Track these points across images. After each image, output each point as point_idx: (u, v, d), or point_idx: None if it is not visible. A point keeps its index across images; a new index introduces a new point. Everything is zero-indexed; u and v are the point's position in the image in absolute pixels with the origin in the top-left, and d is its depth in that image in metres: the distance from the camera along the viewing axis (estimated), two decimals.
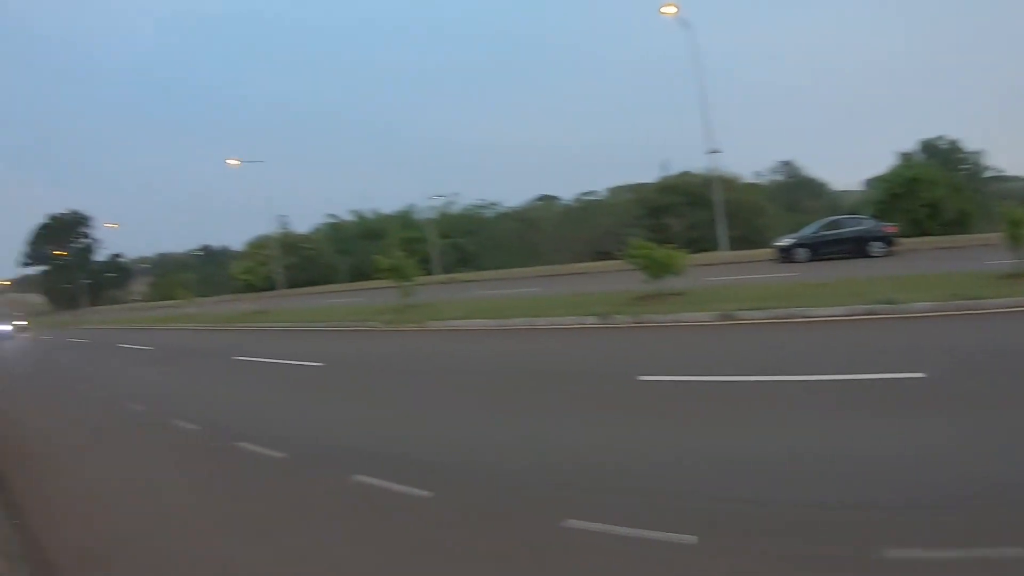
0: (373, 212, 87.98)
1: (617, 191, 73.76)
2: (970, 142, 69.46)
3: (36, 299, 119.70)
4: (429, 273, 52.88)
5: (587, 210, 73.08)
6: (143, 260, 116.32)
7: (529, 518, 5.25)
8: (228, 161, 53.42)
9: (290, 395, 12.27)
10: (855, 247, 27.38)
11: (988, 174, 66.74)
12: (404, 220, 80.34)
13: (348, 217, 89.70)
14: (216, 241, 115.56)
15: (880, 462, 5.59)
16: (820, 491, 5.12)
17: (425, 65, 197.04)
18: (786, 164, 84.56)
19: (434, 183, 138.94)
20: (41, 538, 6.20)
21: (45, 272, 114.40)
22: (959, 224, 39.24)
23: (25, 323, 53.80)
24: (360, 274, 65.33)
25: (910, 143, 65.63)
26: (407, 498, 5.96)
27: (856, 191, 69.06)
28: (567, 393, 9.71)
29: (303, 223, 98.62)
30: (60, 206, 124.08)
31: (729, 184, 50.77)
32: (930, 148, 63.34)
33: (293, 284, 61.85)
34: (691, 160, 57.95)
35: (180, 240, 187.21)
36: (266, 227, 79.99)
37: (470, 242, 75.20)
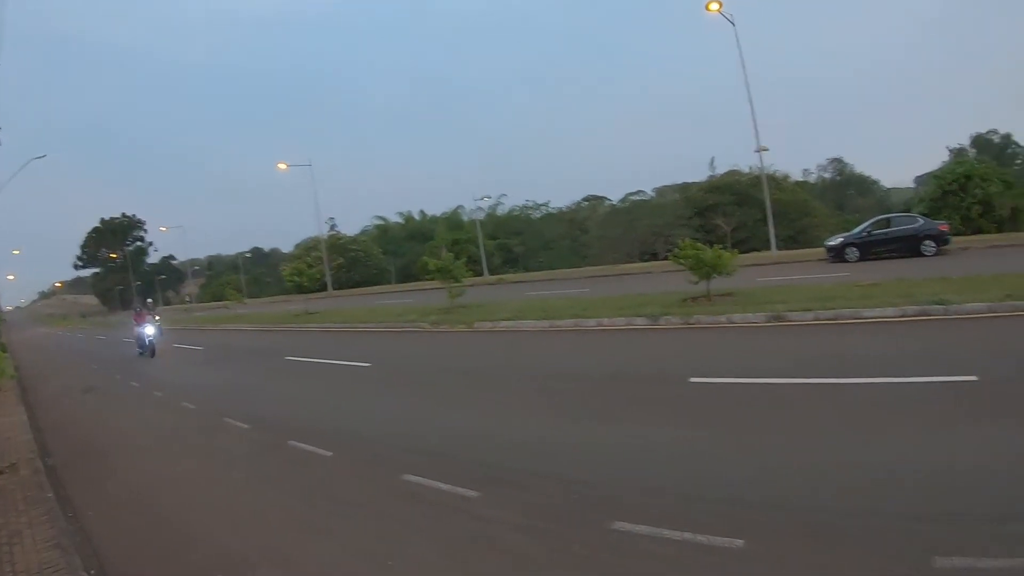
0: (420, 214, 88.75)
1: (664, 191, 73.49)
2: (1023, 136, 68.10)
3: (89, 300, 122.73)
4: (477, 274, 53.13)
5: (634, 210, 72.73)
6: (194, 262, 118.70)
7: (578, 520, 5.33)
8: (278, 165, 54.52)
9: (339, 395, 12.55)
10: (906, 246, 26.92)
11: None
12: (451, 221, 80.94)
13: (395, 219, 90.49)
14: (266, 243, 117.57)
15: (931, 469, 5.55)
16: (869, 497, 5.10)
17: (470, 64, 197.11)
18: (835, 161, 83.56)
19: (482, 185, 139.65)
20: (95, 530, 6.53)
21: (96, 274, 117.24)
22: (1013, 221, 38.29)
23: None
24: (408, 275, 66.09)
25: (962, 138, 64.58)
26: (455, 497, 6.11)
27: (907, 188, 68.17)
28: (618, 395, 9.76)
29: (352, 225, 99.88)
30: (114, 210, 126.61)
31: (777, 183, 50.33)
32: (982, 143, 62.20)
33: (342, 285, 62.70)
34: (739, 159, 57.40)
35: (232, 242, 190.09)
36: (315, 229, 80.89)
37: (517, 243, 75.49)
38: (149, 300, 28.64)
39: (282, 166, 55.53)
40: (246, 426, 10.27)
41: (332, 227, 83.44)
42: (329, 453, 8.16)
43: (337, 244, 75.82)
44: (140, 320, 25.22)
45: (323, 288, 58.75)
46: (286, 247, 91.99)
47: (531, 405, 9.85)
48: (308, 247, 74.97)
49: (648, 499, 5.59)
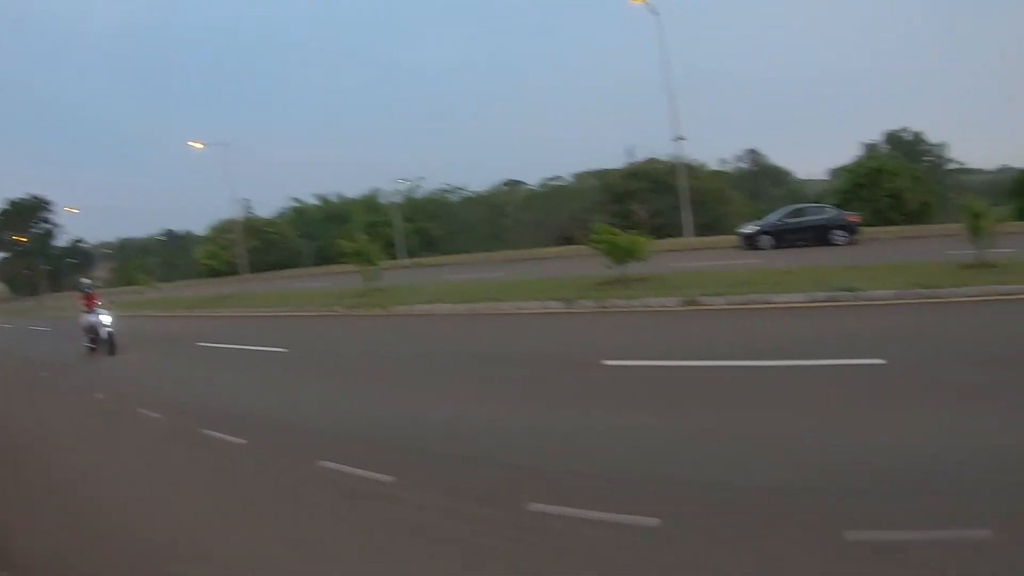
0: (337, 196, 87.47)
1: (583, 177, 73.98)
2: (933, 135, 71.17)
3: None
4: (394, 257, 52.70)
5: (553, 195, 73.15)
6: (105, 245, 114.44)
7: (495, 502, 5.27)
8: (191, 144, 52.75)
9: (254, 382, 12.16)
10: (818, 235, 27.76)
11: (950, 166, 68.41)
12: (369, 204, 79.88)
13: (312, 201, 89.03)
14: (181, 226, 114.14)
15: (841, 447, 5.70)
16: (782, 476, 5.21)
17: (392, 46, 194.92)
18: (751, 152, 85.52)
19: (401, 168, 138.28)
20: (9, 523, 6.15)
21: (3, 259, 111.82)
22: (921, 215, 40.03)
23: None
24: (324, 258, 65.03)
25: (875, 135, 66.98)
26: (371, 482, 5.95)
27: (820, 180, 70.12)
28: (533, 377, 9.75)
29: (269, 207, 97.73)
30: (19, 191, 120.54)
31: (694, 171, 51.07)
32: (894, 140, 64.91)
33: (257, 269, 61.17)
34: (657, 147, 58.05)
35: (144, 225, 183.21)
36: (230, 211, 78.73)
37: (435, 226, 75.06)
38: (88, 281, 20.35)
39: (198, 145, 53.52)
40: (158, 415, 9.79)
41: (248, 209, 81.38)
42: (243, 441, 7.85)
43: (253, 226, 74.01)
44: (91, 305, 18.30)
45: (238, 272, 57.41)
46: (201, 230, 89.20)
47: (447, 388, 9.75)
48: (223, 229, 72.96)
49: (564, 480, 5.58)
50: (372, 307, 20.84)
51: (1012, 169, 52.94)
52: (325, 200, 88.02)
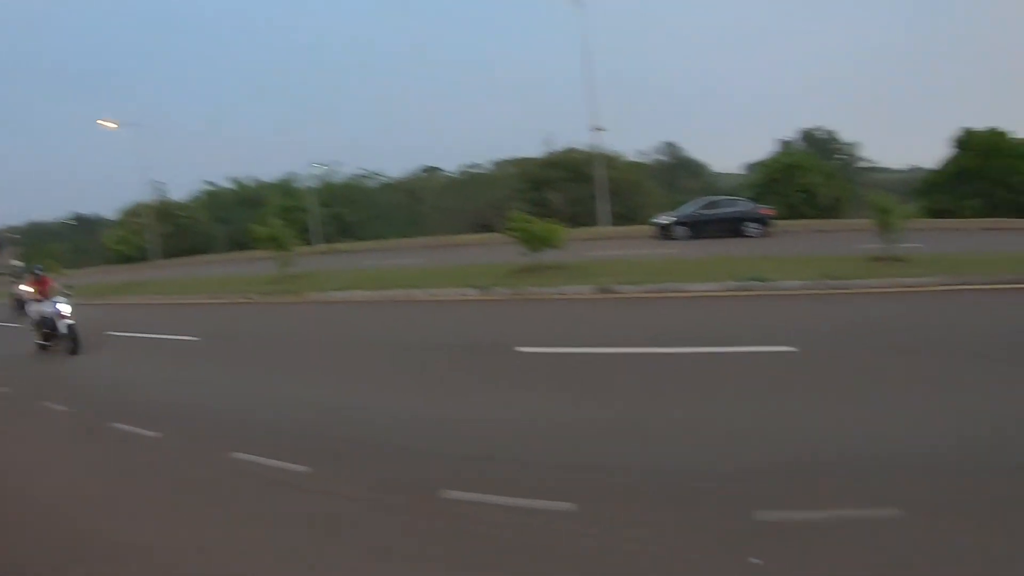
0: (253, 180, 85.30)
1: (502, 164, 73.84)
2: (847, 134, 73.55)
3: None
4: (309, 243, 51.75)
5: (471, 183, 72.82)
6: (12, 230, 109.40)
7: (409, 490, 5.23)
8: (102, 123, 50.72)
9: (165, 372, 11.65)
10: (732, 227, 28.32)
11: (861, 164, 70.86)
12: (284, 188, 78.09)
13: (227, 184, 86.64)
14: (91, 209, 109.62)
15: (752, 431, 5.83)
16: (695, 459, 5.31)
17: (318, 30, 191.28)
18: (669, 145, 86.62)
19: (316, 151, 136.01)
20: None
21: None
22: (832, 210, 41.24)
23: None
24: (239, 244, 63.24)
25: (791, 132, 68.78)
26: (285, 473, 5.81)
27: (736, 175, 71.45)
28: (445, 365, 9.67)
29: (182, 190, 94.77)
30: None
31: (612, 162, 51.43)
32: (809, 138, 66.96)
33: (169, 254, 59.29)
34: (577, 137, 58.33)
35: (52, 208, 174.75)
36: (142, 194, 75.78)
37: (352, 212, 73.89)
38: (38, 268, 15.92)
39: (110, 124, 51.34)
40: (63, 408, 9.28)
41: (160, 192, 78.53)
42: (154, 433, 7.49)
43: (165, 210, 71.58)
44: (44, 292, 14.75)
45: (149, 257, 55.62)
46: (112, 214, 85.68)
47: (361, 376, 9.59)
48: (134, 213, 70.29)
49: (477, 467, 5.58)
50: (285, 294, 20.37)
51: (921, 169, 54.89)
52: (240, 184, 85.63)
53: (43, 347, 14.34)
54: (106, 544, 4.92)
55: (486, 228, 48.63)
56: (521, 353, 9.60)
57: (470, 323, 13.46)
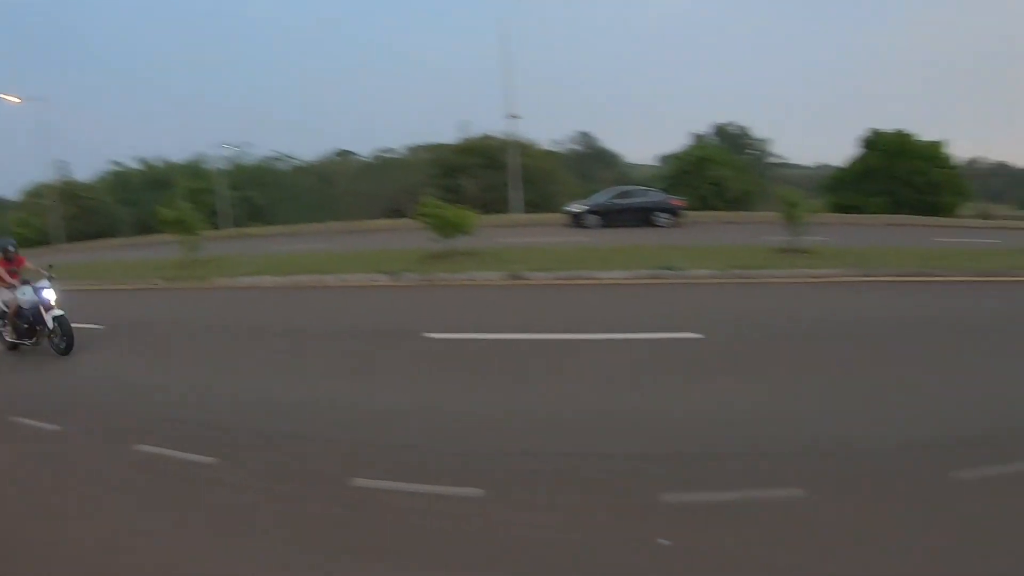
0: (161, 160, 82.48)
1: (416, 150, 73.38)
2: (759, 130, 75.66)
3: None
4: (217, 227, 50.44)
5: (384, 167, 72.14)
6: None
7: (317, 479, 5.18)
8: (4, 97, 48.29)
9: (67, 363, 11.12)
10: (643, 216, 28.72)
11: (772, 160, 73.07)
12: (193, 170, 75.70)
13: (134, 165, 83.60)
14: None
15: (659, 416, 5.97)
16: (602, 444, 5.40)
17: (229, 6, 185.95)
18: (583, 135, 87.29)
19: (227, 132, 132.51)
20: None
21: None
22: (742, 202, 42.45)
23: None
24: (146, 227, 61.10)
25: (704, 127, 70.31)
26: (192, 465, 5.65)
27: (649, 166, 72.50)
28: (353, 351, 9.54)
29: (85, 171, 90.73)
30: None
31: (526, 149, 51.61)
32: (722, 132, 68.54)
33: (73, 238, 56.94)
34: (492, 125, 58.27)
35: None
36: (45, 174, 72.30)
37: (262, 195, 72.27)
38: (12, 244, 12.01)
39: (12, 99, 48.75)
40: None
41: (64, 172, 75.00)
42: (55, 427, 7.13)
43: (69, 192, 68.58)
44: (14, 274, 11.60)
45: (51, 241, 53.34)
46: (13, 195, 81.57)
47: (268, 364, 9.33)
48: (36, 194, 67.15)
49: (387, 454, 5.56)
50: (193, 280, 19.76)
51: (830, 167, 56.80)
52: (148, 164, 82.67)
53: (13, 345, 11.55)
54: (2, 541, 4.70)
55: (398, 213, 48.22)
56: (430, 339, 9.55)
57: (380, 309, 13.30)
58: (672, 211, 28.76)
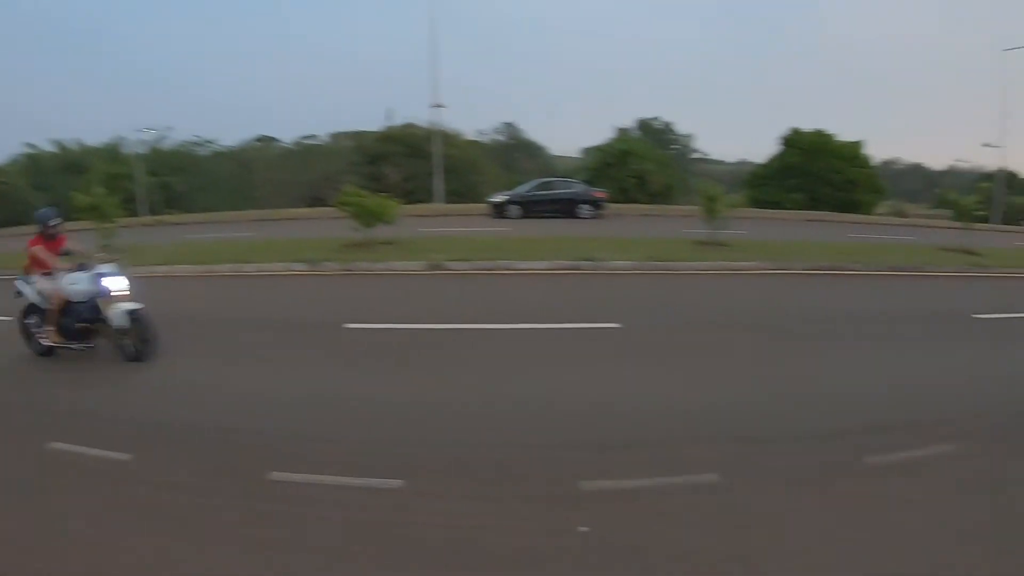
0: (77, 143, 79.47)
1: (338, 137, 72.48)
2: (682, 126, 77.03)
3: None
4: (135, 214, 49.02)
5: (306, 154, 70.99)
6: None
7: (235, 473, 5.11)
8: None
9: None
10: (565, 208, 28.96)
11: (694, 155, 74.57)
12: (111, 154, 73.25)
13: (49, 148, 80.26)
14: None
15: (578, 405, 6.07)
16: (521, 434, 5.47)
17: None
18: (508, 126, 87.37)
19: (145, 115, 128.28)
20: None
21: None
22: (663, 196, 43.17)
23: None
24: (59, 213, 59.17)
25: (628, 121, 71.19)
26: (106, 462, 5.47)
27: (573, 158, 73.00)
28: (272, 342, 9.35)
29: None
30: None
31: (450, 139, 51.52)
32: (645, 127, 69.61)
33: None
34: (417, 113, 58.03)
35: None
36: None
37: (181, 181, 70.41)
38: (55, 217, 9.33)
39: None
40: None
41: None
42: None
43: None
44: (51, 257, 8.98)
45: None
46: None
47: (183, 356, 8.93)
48: None
49: (306, 447, 5.49)
50: None
51: (750, 163, 58.29)
52: (63, 147, 79.54)
53: (50, 350, 8.91)
54: None
55: (320, 202, 47.64)
56: (350, 330, 9.46)
57: (299, 299, 13.09)
58: (594, 203, 29.03)
